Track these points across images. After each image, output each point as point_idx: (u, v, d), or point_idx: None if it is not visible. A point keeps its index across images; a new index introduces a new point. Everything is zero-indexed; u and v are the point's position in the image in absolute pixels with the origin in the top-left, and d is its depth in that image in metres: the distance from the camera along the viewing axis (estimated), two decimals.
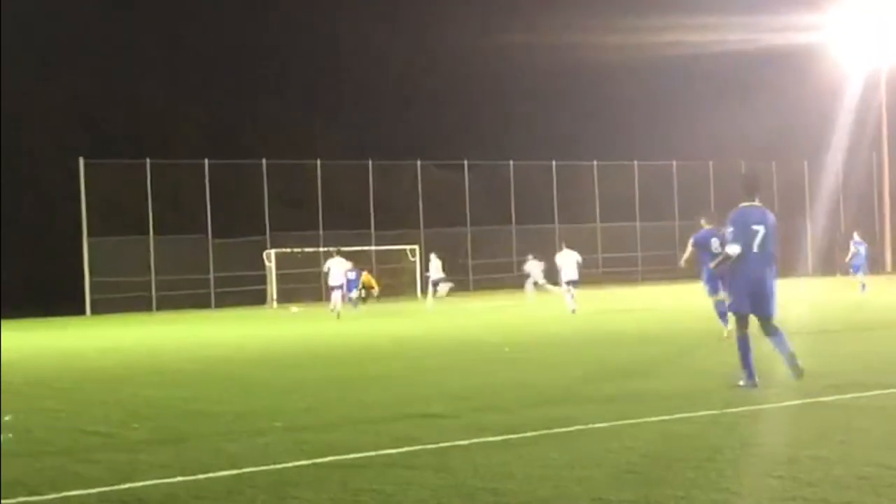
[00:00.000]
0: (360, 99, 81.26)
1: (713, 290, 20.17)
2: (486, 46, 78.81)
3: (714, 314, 20.47)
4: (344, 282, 39.95)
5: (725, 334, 18.96)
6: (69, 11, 72.15)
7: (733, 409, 10.56)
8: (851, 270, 39.67)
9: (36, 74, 66.72)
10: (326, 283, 41.34)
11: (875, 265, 73.85)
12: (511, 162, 67.19)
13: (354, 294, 44.07)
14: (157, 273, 55.08)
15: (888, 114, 74.60)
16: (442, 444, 9.21)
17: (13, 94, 64.56)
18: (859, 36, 69.57)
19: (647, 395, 12.06)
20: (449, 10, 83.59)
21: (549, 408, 11.27)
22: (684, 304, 35.47)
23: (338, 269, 39.70)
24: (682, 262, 21.57)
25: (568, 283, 33.99)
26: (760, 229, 12.25)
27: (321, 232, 60.43)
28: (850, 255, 39.79)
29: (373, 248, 60.07)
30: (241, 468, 8.42)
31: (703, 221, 20.84)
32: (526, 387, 13.51)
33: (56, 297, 53.23)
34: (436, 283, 46.04)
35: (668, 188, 71.55)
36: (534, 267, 48.33)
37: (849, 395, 11.31)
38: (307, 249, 57.03)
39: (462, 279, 63.71)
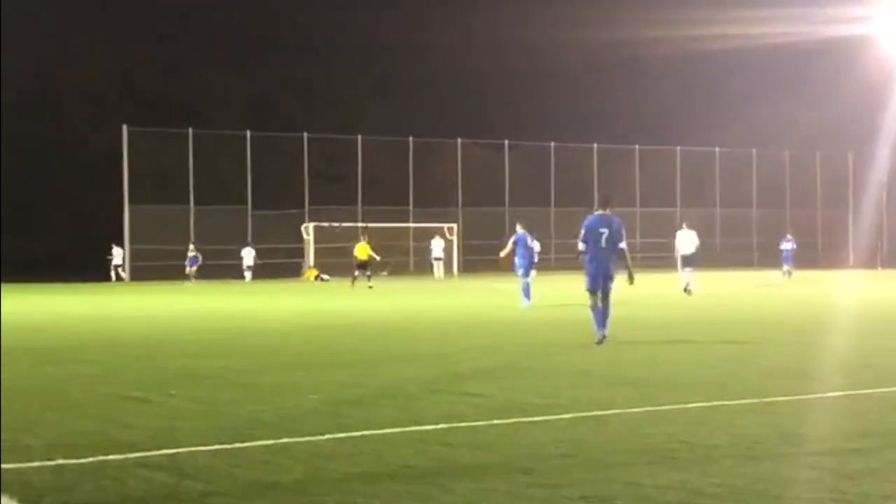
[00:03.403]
0: (404, 76, 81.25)
1: (525, 275, 27.00)
2: (532, 29, 78.58)
3: (520, 292, 27.10)
4: (442, 255, 53.89)
5: (524, 306, 26.28)
6: None
7: (772, 399, 10.47)
8: (783, 261, 49.26)
9: (82, 42, 67.12)
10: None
11: None
12: (552, 143, 66.95)
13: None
14: (196, 242, 55.36)
15: None
16: (478, 423, 9.19)
17: (59, 60, 65.02)
18: None
19: (685, 381, 11.99)
20: None
21: (586, 390, 11.23)
22: (720, 290, 35.27)
23: (437, 244, 53.70)
24: (502, 254, 28.52)
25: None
26: (605, 231, 16.70)
27: (360, 207, 60.53)
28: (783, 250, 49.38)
29: (410, 224, 60.12)
30: (277, 439, 8.43)
31: (518, 227, 27.68)
32: (562, 368, 13.47)
33: (96, 264, 53.68)
34: None
35: (710, 175, 71.10)
36: (247, 254, 55.45)
37: (888, 389, 11.20)
38: (345, 224, 57.18)
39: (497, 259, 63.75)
